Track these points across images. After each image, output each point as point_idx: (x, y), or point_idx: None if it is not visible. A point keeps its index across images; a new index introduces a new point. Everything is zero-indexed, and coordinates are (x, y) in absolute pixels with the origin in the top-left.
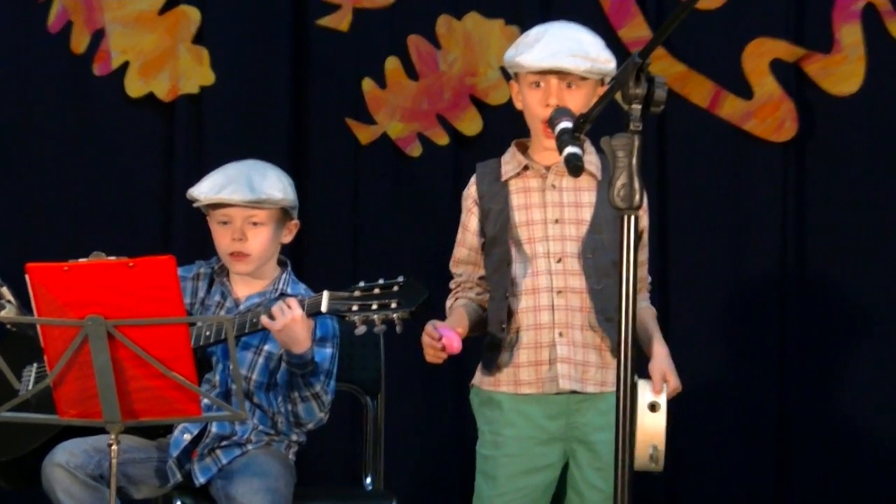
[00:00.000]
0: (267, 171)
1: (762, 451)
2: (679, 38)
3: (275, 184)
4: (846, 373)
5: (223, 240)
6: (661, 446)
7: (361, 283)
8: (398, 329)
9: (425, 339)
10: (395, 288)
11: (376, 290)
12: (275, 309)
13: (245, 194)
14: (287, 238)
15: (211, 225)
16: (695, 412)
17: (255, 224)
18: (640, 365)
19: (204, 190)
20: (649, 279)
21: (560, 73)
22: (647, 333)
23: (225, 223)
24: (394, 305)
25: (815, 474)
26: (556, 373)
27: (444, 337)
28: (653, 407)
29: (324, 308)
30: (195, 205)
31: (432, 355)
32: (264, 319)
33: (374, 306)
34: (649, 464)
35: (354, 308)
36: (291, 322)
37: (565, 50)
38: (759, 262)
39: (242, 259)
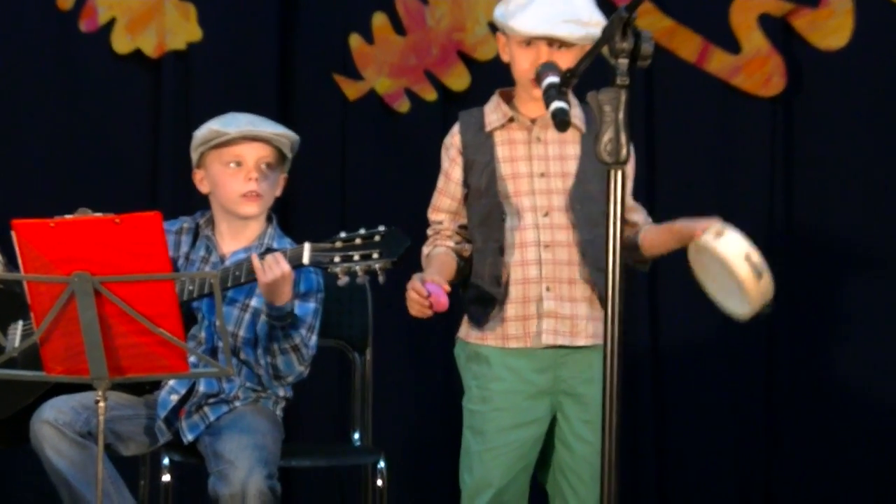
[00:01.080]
0: (265, 119)
1: (751, 405)
2: None
3: (281, 126)
4: (835, 328)
5: (233, 181)
6: (756, 255)
7: (342, 234)
8: (381, 279)
9: (411, 293)
10: (377, 238)
11: (357, 241)
12: (266, 260)
13: (271, 127)
14: (278, 191)
15: (212, 169)
16: (683, 376)
17: (266, 165)
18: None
19: (230, 125)
20: (650, 219)
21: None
22: (662, 226)
23: (237, 164)
24: (375, 255)
25: (804, 427)
26: (542, 328)
27: (432, 294)
28: (717, 234)
29: (305, 260)
30: (206, 146)
31: (418, 310)
32: (255, 260)
33: (356, 257)
34: (759, 282)
35: (336, 259)
36: (281, 277)
37: (558, 15)
38: (747, 216)
39: (256, 200)
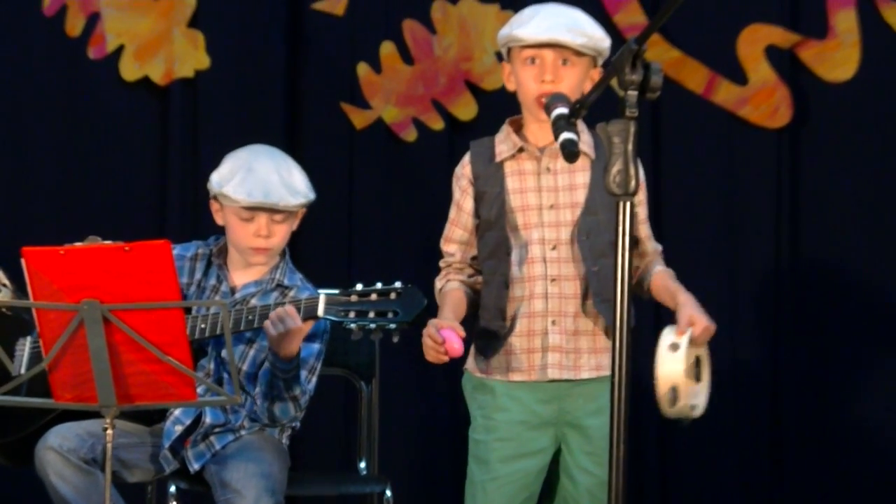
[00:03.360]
0: (291, 167)
1: (757, 440)
2: (674, 23)
3: (303, 181)
4: (840, 361)
5: (244, 234)
6: (683, 387)
7: (359, 287)
8: (395, 339)
9: (427, 340)
10: (393, 295)
11: (373, 296)
12: (274, 315)
13: (287, 198)
14: (296, 225)
15: (226, 216)
16: None
17: (278, 221)
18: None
19: (244, 191)
20: (659, 248)
21: (556, 48)
22: (670, 290)
23: (249, 219)
24: (391, 315)
25: (809, 466)
26: (548, 361)
27: (447, 340)
28: (673, 347)
29: (320, 313)
30: (225, 202)
31: (433, 356)
32: (267, 325)
33: (372, 314)
34: (671, 407)
35: (351, 315)
36: (289, 332)
37: (562, 24)
38: (753, 249)
39: (264, 252)
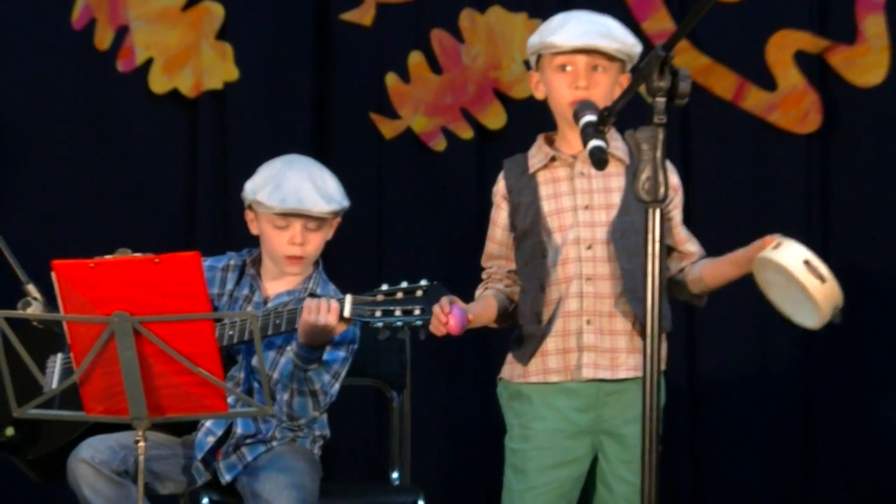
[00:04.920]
0: (325, 175)
1: (789, 444)
2: (703, 30)
3: (337, 189)
4: (873, 368)
5: (279, 243)
6: (815, 259)
7: (384, 287)
8: (422, 336)
9: (435, 308)
10: (419, 293)
11: (399, 295)
12: (314, 303)
13: (322, 204)
14: (330, 234)
15: (261, 224)
16: (720, 407)
17: (313, 229)
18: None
19: (279, 197)
20: (702, 250)
21: (590, 53)
22: (722, 259)
23: (283, 227)
24: (417, 312)
25: (841, 468)
26: (583, 361)
27: (452, 315)
28: (776, 246)
29: (346, 313)
30: (259, 209)
31: (434, 326)
32: (304, 305)
33: (398, 312)
34: (815, 280)
35: (378, 314)
36: (322, 326)
37: (594, 31)
38: None
39: (299, 262)
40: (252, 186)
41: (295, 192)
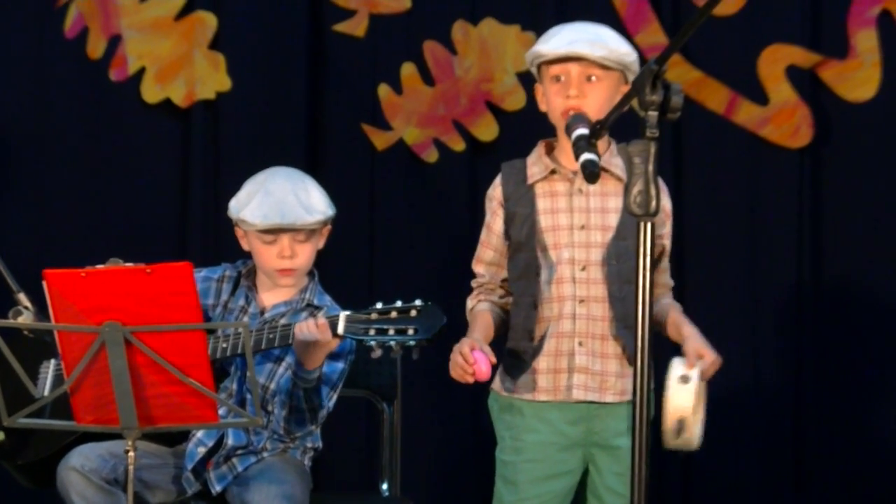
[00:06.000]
0: (308, 186)
1: (779, 457)
2: (695, 44)
3: (321, 199)
4: (864, 381)
5: (269, 257)
6: (690, 420)
7: (379, 305)
8: (415, 356)
9: (457, 357)
10: (413, 313)
11: (394, 314)
12: (305, 325)
13: (303, 217)
14: (321, 243)
15: (249, 240)
16: (711, 421)
17: (301, 241)
18: (656, 372)
19: (259, 214)
20: (671, 283)
21: (579, 62)
22: (676, 324)
23: (271, 242)
24: (411, 332)
25: (832, 481)
26: (573, 382)
27: (477, 361)
28: (684, 379)
29: (340, 330)
30: (244, 227)
31: (459, 374)
32: (297, 329)
33: (392, 331)
34: (676, 439)
35: (371, 332)
36: (316, 344)
37: (584, 39)
38: (775, 268)
39: (291, 274)
40: (236, 204)
41: (277, 207)
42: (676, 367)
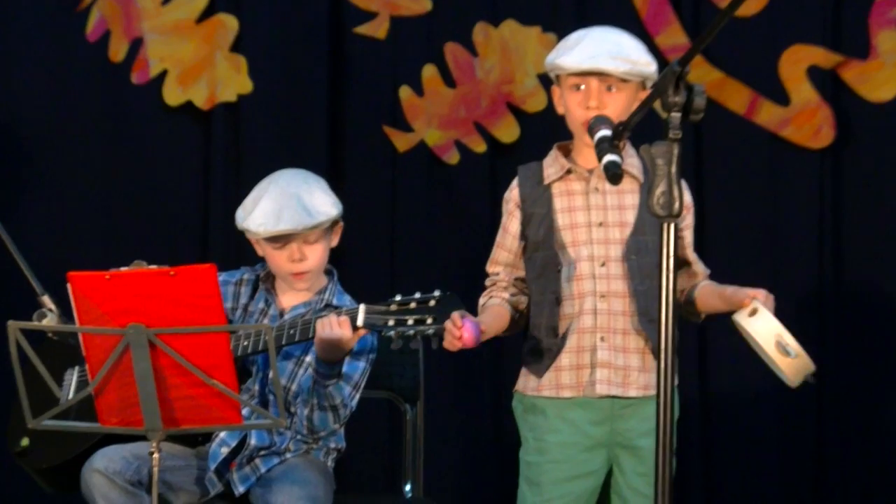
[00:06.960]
0: (312, 187)
1: (800, 460)
2: (716, 44)
3: (325, 200)
4: (885, 381)
5: (280, 261)
6: (787, 336)
7: (398, 297)
8: (434, 345)
9: (448, 324)
10: (432, 303)
11: (412, 305)
12: (325, 320)
13: (304, 220)
14: (335, 241)
15: (260, 246)
16: (733, 421)
17: (310, 242)
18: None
19: (259, 223)
20: (708, 271)
21: (600, 75)
22: (716, 289)
23: (280, 247)
24: (430, 321)
25: (853, 484)
26: (596, 377)
27: (465, 328)
28: (752, 312)
29: (360, 322)
30: (251, 236)
31: (448, 341)
32: (318, 324)
33: (410, 321)
34: (783, 356)
35: (391, 323)
36: (338, 339)
37: (605, 52)
38: (796, 269)
39: (303, 276)
40: (241, 213)
41: (278, 213)
42: (738, 314)
